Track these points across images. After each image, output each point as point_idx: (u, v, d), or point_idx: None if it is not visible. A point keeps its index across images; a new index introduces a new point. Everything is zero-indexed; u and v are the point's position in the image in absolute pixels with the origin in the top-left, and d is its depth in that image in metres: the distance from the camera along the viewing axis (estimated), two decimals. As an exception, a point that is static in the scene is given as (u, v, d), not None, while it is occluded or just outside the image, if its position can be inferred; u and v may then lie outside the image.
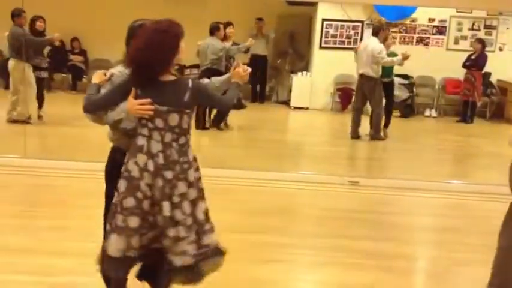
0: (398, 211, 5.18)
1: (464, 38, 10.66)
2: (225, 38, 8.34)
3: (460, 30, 10.65)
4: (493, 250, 4.31)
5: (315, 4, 10.60)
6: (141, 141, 2.66)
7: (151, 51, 2.57)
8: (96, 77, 2.83)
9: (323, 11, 10.63)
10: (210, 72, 8.06)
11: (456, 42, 10.51)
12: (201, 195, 2.81)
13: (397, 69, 10.02)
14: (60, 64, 10.79)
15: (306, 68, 10.99)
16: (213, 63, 8.03)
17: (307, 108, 10.53)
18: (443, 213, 5.28)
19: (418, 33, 10.59)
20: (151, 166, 2.63)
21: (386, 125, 8.23)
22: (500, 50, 10.69)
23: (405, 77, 10.34)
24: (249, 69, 2.97)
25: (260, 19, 10.82)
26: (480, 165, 7.45)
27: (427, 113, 10.66)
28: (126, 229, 2.67)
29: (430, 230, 4.87)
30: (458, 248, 4.37)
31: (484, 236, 4.65)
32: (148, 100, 2.59)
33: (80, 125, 7.94)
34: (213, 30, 8.18)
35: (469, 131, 9.69)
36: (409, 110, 10.32)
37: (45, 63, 8.07)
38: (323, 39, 10.65)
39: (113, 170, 2.82)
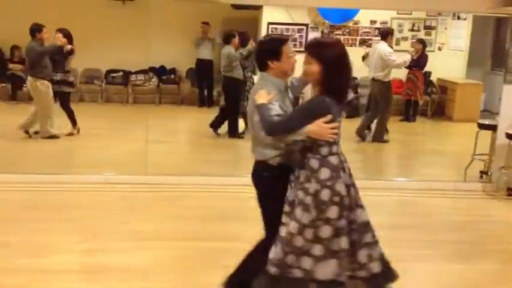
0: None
1: (405, 38, 10.96)
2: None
3: (400, 31, 10.94)
4: (444, 245, 4.47)
5: (260, 8, 10.65)
6: (336, 159, 2.83)
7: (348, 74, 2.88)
8: (262, 97, 2.84)
9: (268, 15, 10.69)
10: (226, 80, 8.40)
11: (397, 43, 10.78)
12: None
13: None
14: (-2, 72, 10.38)
15: (253, 71, 11.01)
16: (226, 71, 8.35)
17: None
18: (392, 211, 5.40)
19: (361, 35, 10.81)
20: (348, 180, 2.84)
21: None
22: (439, 49, 11.05)
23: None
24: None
25: (206, 23, 10.77)
26: (424, 163, 7.67)
27: (372, 113, 10.88)
28: (340, 252, 2.80)
29: (380, 228, 4.93)
30: (410, 244, 4.47)
31: (433, 231, 4.81)
32: (337, 124, 2.82)
33: (21, 136, 7.80)
34: (229, 38, 8.42)
35: (412, 129, 9.97)
36: (354, 111, 10.52)
37: (67, 77, 7.90)
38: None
39: (277, 188, 2.93)
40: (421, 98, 10.39)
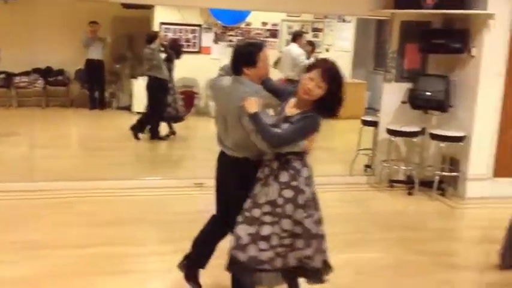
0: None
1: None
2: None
3: (290, 33, 11.32)
4: (332, 236, 4.69)
5: (151, 7, 10.52)
6: (307, 172, 3.06)
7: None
8: (253, 105, 2.88)
9: (160, 15, 10.59)
10: (150, 80, 8.15)
11: (287, 44, 11.12)
12: None
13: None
14: None
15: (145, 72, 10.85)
16: (149, 70, 8.18)
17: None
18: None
19: (253, 37, 11.03)
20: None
21: None
22: (327, 51, 11.57)
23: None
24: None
25: (94, 22, 10.43)
26: (314, 159, 7.92)
27: (266, 112, 11.17)
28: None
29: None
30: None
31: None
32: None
33: None
34: (296, 37, 8.65)
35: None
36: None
37: None
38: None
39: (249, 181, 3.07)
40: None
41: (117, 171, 6.41)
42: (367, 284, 3.84)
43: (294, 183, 2.95)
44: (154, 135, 8.11)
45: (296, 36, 8.99)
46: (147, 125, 8.16)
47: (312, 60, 8.89)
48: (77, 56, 10.55)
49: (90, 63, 10.44)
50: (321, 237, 3.12)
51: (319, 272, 3.11)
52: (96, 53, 10.41)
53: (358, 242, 4.66)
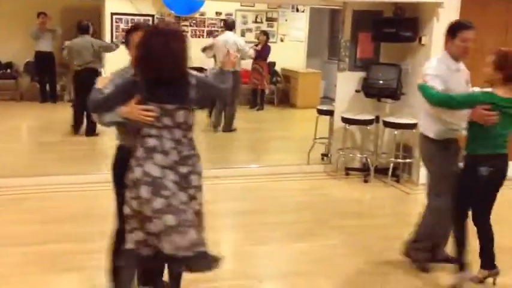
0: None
1: (250, 30, 11.34)
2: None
3: (245, 23, 11.29)
4: (289, 225, 4.73)
5: (102, -2, 10.30)
6: (152, 141, 2.72)
7: (170, 57, 2.67)
8: (100, 82, 2.83)
9: (111, 5, 10.36)
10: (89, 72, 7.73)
11: (243, 34, 11.10)
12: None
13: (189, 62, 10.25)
14: None
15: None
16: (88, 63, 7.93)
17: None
18: (245, 197, 5.58)
19: (208, 27, 10.95)
20: (167, 163, 2.71)
21: None
22: (282, 40, 11.61)
23: (200, 69, 10.63)
24: (238, 56, 3.17)
25: (43, 13, 10.10)
26: (272, 149, 8.03)
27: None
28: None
29: (233, 215, 5.11)
30: (259, 228, 4.67)
31: (280, 214, 5.06)
32: (152, 107, 2.68)
33: None
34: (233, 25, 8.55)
35: (259, 117, 10.36)
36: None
37: None
38: (114, 33, 10.40)
39: (123, 169, 2.82)
40: (267, 87, 10.85)
41: (68, 166, 6.24)
42: (324, 272, 3.88)
43: (131, 160, 2.80)
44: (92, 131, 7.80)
45: (233, 25, 8.94)
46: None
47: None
48: (26, 48, 10.24)
49: (39, 55, 10.13)
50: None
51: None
52: (45, 44, 10.11)
53: (315, 230, 4.70)
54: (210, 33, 10.81)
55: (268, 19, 11.49)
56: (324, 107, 7.00)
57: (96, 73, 7.59)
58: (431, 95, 3.52)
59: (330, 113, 6.63)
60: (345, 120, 6.27)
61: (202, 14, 10.95)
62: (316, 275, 3.83)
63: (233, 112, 8.59)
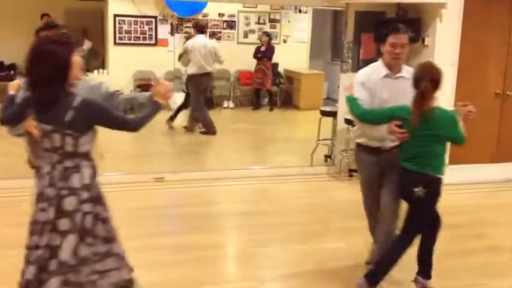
0: (206, 202, 5.33)
1: (252, 31, 11.34)
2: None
3: (248, 24, 11.29)
4: (292, 227, 4.73)
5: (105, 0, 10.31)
6: (38, 162, 2.62)
7: (44, 66, 2.46)
8: (13, 87, 2.75)
9: (114, 7, 10.38)
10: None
11: (245, 35, 11.12)
12: (77, 230, 2.52)
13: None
14: None
15: (102, 65, 10.64)
16: None
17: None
18: (248, 198, 5.58)
19: (211, 28, 10.95)
20: (43, 186, 2.54)
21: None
22: (284, 42, 11.60)
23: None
24: (171, 86, 2.80)
25: (46, 15, 10.12)
26: (276, 150, 8.02)
27: (225, 104, 11.14)
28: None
29: (236, 216, 5.11)
30: (261, 229, 4.66)
31: (283, 216, 5.06)
32: (34, 123, 2.51)
33: None
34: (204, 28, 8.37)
35: (263, 118, 10.37)
36: (209, 103, 10.67)
37: None
38: (117, 35, 10.42)
39: None
40: (270, 88, 10.87)
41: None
42: (327, 275, 3.87)
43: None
44: None
45: (204, 27, 8.89)
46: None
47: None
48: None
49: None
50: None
51: None
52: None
53: (318, 232, 4.69)
54: (212, 35, 10.81)
55: (271, 20, 11.48)
56: (327, 108, 6.99)
57: None
58: (357, 112, 3.39)
59: (333, 114, 6.62)
60: (348, 121, 6.25)
61: (205, 16, 10.95)
62: (318, 277, 3.83)
63: (204, 115, 8.44)
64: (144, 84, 10.37)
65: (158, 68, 10.15)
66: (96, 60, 10.76)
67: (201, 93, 8.36)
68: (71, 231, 2.52)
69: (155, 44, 10.66)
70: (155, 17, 10.67)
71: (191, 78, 8.31)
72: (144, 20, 10.55)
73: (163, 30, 10.76)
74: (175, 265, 3.89)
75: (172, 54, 10.37)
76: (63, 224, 2.50)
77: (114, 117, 2.62)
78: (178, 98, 9.81)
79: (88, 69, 10.45)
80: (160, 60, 10.36)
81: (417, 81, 3.18)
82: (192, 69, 8.27)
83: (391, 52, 3.45)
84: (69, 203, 2.51)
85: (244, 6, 10.95)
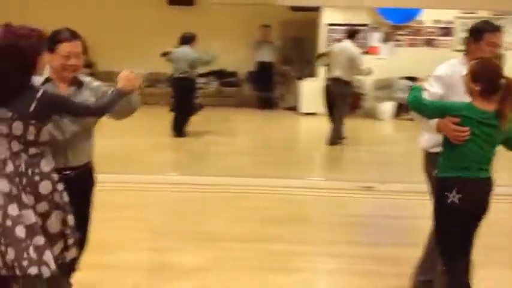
0: (415, 215, 5.12)
1: (471, 38, 10.60)
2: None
3: (465, 31, 10.60)
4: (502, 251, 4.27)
5: (318, 9, 10.61)
6: None
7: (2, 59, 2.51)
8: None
9: (327, 16, 10.63)
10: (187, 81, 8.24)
11: (464, 43, 10.44)
12: (56, 207, 2.63)
13: (404, 71, 10.03)
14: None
15: (312, 73, 10.98)
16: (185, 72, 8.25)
17: (315, 114, 10.50)
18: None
19: (425, 35, 10.56)
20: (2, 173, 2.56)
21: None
22: (509, 49, 10.61)
23: (412, 79, 10.31)
24: (137, 74, 2.83)
25: (266, 26, 10.82)
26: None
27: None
28: None
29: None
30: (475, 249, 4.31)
31: (493, 236, 4.56)
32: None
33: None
34: (353, 33, 8.12)
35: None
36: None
37: None
38: (327, 44, 10.64)
39: None
40: None
41: (284, 169, 6.56)
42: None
43: None
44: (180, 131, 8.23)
45: (353, 33, 8.23)
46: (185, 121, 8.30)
47: None
48: (249, 58, 11.05)
49: (260, 65, 10.85)
50: None
51: None
52: (266, 55, 10.80)
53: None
54: (427, 42, 10.40)
55: (493, 26, 10.61)
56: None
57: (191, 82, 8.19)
58: (409, 98, 2.99)
59: None
60: None
61: (419, 23, 10.59)
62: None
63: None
64: (352, 93, 10.41)
65: (367, 77, 10.09)
66: (308, 68, 11.10)
67: (343, 101, 7.96)
68: (56, 209, 2.63)
69: (366, 52, 10.64)
70: (366, 25, 10.66)
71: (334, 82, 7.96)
72: (355, 28, 10.57)
73: (375, 39, 10.69)
74: (383, 276, 3.80)
75: (382, 62, 10.24)
76: (43, 206, 2.59)
77: (75, 106, 2.68)
78: (387, 107, 9.66)
79: (299, 76, 10.86)
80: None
81: (495, 79, 2.77)
82: (331, 73, 7.98)
83: (489, 51, 3.12)
84: (44, 186, 2.59)
85: (462, 12, 10.31)
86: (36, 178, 2.56)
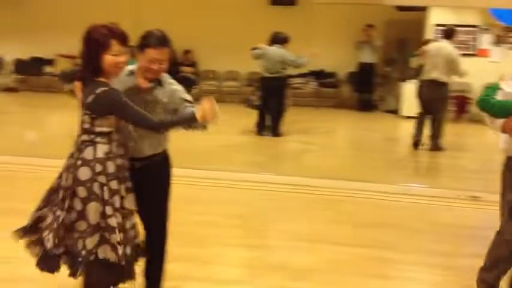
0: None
1: None
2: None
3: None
4: None
5: (425, 9, 10.20)
6: None
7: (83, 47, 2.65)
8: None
9: (435, 16, 10.19)
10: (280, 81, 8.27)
11: None
12: (94, 198, 2.66)
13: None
14: (171, 76, 11.24)
15: (416, 75, 10.57)
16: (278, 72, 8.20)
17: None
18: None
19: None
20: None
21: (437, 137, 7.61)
22: None
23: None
24: (217, 109, 2.70)
25: (370, 25, 10.58)
26: None
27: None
28: None
29: None
30: None
31: None
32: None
33: (188, 132, 8.30)
34: (451, 33, 7.79)
35: None
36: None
37: None
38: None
39: None
40: None
41: (381, 174, 6.37)
42: None
43: None
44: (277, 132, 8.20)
45: (450, 33, 7.56)
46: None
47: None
48: (349, 59, 10.86)
49: (362, 66, 10.64)
50: None
51: None
52: (368, 56, 10.56)
53: None
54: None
55: None
56: None
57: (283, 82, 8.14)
58: (481, 95, 2.94)
59: None
60: None
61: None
62: None
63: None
64: (458, 96, 9.92)
65: (477, 80, 9.55)
66: (411, 70, 10.71)
67: (441, 104, 7.50)
68: (93, 200, 2.65)
69: (475, 55, 10.08)
70: (476, 26, 10.09)
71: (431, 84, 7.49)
72: (465, 29, 10.05)
73: (485, 40, 10.10)
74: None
75: (494, 66, 9.64)
76: (81, 192, 2.65)
77: (132, 114, 2.65)
78: None
79: (402, 78, 10.50)
80: (480, 72, 9.72)
81: None
82: (426, 75, 7.53)
83: None
84: (82, 172, 2.65)
85: None
86: (78, 162, 2.66)
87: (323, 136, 8.74)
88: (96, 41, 2.57)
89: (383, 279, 3.72)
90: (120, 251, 2.67)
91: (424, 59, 7.61)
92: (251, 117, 8.39)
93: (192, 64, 11.51)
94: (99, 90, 2.59)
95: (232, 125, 8.30)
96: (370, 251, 4.15)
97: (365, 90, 10.87)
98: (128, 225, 2.78)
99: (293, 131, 8.57)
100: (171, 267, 3.24)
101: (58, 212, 2.70)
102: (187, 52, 11.44)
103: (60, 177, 2.76)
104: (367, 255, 4.07)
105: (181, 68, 11.36)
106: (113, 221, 2.67)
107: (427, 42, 8.34)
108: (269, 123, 8.24)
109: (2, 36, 11.47)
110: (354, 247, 4.21)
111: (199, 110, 2.67)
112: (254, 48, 8.13)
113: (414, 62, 8.14)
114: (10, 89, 11.41)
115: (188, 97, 2.93)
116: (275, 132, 8.19)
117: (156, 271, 3.13)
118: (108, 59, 2.59)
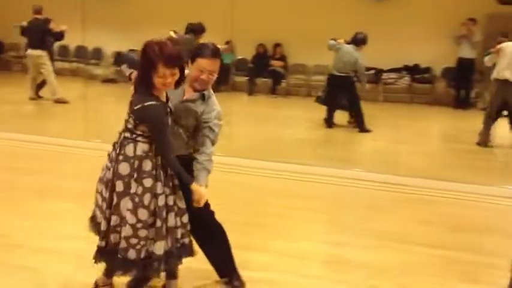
0: None
1: None
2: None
3: None
4: None
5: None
6: None
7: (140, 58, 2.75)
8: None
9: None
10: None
11: None
12: (129, 193, 2.76)
13: None
14: (261, 69, 11.35)
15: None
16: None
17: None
18: None
19: None
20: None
21: None
22: None
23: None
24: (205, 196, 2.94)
25: (472, 19, 10.05)
26: None
27: None
28: None
29: None
30: None
31: None
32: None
33: (278, 124, 8.36)
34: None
35: None
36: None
37: None
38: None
39: None
40: None
41: (476, 175, 6.04)
42: None
43: None
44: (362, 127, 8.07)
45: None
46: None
47: None
48: (445, 54, 10.39)
49: (461, 61, 10.16)
50: None
51: None
52: (467, 51, 10.07)
53: None
54: None
55: None
56: None
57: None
58: None
59: None
60: None
61: None
62: None
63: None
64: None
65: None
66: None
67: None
68: (127, 195, 2.76)
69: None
70: None
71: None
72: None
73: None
74: None
75: None
76: (118, 185, 2.78)
77: (161, 136, 2.75)
78: None
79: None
80: None
81: None
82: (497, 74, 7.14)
83: None
84: (122, 167, 2.78)
85: None
86: (120, 158, 2.79)
87: (415, 133, 8.45)
88: (148, 60, 2.67)
89: (473, 283, 3.55)
90: (141, 248, 2.80)
91: (497, 57, 7.33)
92: (339, 112, 8.33)
93: (282, 58, 11.52)
94: (147, 103, 2.70)
95: (317, 120, 8.26)
96: (461, 255, 3.97)
97: (462, 87, 10.36)
98: (171, 222, 2.86)
99: (383, 127, 8.35)
100: (253, 257, 3.25)
101: (104, 206, 2.86)
102: (277, 46, 11.46)
103: (106, 169, 2.90)
104: (458, 259, 3.89)
105: (271, 62, 11.43)
106: (141, 217, 2.78)
107: (503, 38, 7.91)
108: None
109: (103, 29, 12.07)
110: (444, 249, 4.04)
111: (196, 192, 2.87)
112: (333, 39, 8.11)
113: (489, 60, 7.71)
114: (109, 80, 11.98)
115: (213, 130, 2.99)
116: (361, 128, 8.04)
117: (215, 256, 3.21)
118: (155, 79, 2.69)
